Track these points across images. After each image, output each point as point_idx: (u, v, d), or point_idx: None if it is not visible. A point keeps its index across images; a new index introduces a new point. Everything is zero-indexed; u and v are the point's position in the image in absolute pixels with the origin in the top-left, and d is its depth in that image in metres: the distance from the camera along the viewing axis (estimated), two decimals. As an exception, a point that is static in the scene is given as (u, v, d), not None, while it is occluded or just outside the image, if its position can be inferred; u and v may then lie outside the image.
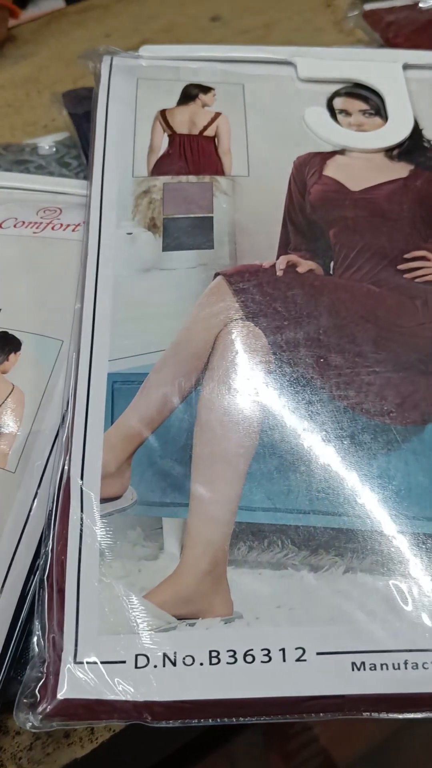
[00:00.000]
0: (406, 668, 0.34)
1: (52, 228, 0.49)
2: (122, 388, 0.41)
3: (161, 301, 0.43)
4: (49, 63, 0.72)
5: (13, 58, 0.73)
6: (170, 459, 0.39)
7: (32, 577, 0.38)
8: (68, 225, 0.49)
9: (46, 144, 0.62)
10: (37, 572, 0.38)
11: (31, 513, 0.39)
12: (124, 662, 0.35)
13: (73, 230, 0.49)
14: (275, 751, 0.72)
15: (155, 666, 0.34)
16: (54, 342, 0.44)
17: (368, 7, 0.68)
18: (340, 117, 0.51)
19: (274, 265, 0.44)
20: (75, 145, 0.61)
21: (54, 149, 0.61)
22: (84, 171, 0.59)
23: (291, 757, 0.75)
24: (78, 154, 0.60)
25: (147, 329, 0.42)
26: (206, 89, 0.51)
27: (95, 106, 0.50)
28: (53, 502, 0.38)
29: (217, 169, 0.47)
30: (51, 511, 0.38)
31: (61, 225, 0.49)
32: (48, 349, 0.44)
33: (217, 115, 0.50)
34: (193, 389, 0.40)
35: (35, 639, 0.36)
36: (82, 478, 0.38)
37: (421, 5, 0.67)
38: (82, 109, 0.62)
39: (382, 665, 0.34)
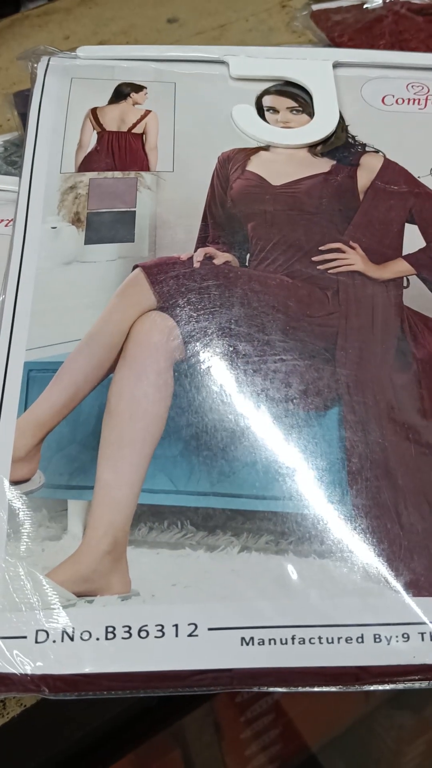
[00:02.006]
0: (292, 643, 0.36)
1: (-18, 225, 0.51)
2: (38, 376, 0.42)
3: (81, 293, 0.45)
4: (8, 65, 0.74)
5: (-27, 59, 0.75)
6: (79, 444, 0.40)
7: None
8: (1, 220, 0.51)
9: (-4, 144, 0.63)
10: None
11: None
12: (25, 637, 0.36)
13: (6, 225, 0.51)
14: (229, 737, 0.73)
15: (54, 641, 0.36)
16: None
17: (316, 7, 0.69)
18: (267, 114, 0.52)
19: (191, 258, 0.45)
20: (23, 144, 0.63)
21: (3, 148, 0.63)
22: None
23: (246, 745, 0.76)
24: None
25: (66, 320, 0.44)
26: (138, 88, 0.53)
27: (29, 105, 0.52)
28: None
29: (143, 165, 0.49)
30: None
31: (-6, 220, 0.51)
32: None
33: (147, 112, 0.51)
34: (104, 377, 0.42)
35: None
36: (-8, 464, 0.40)
37: (366, 5, 0.68)
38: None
39: (270, 640, 0.36)
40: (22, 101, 0.64)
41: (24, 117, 0.63)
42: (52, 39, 0.76)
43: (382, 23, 0.66)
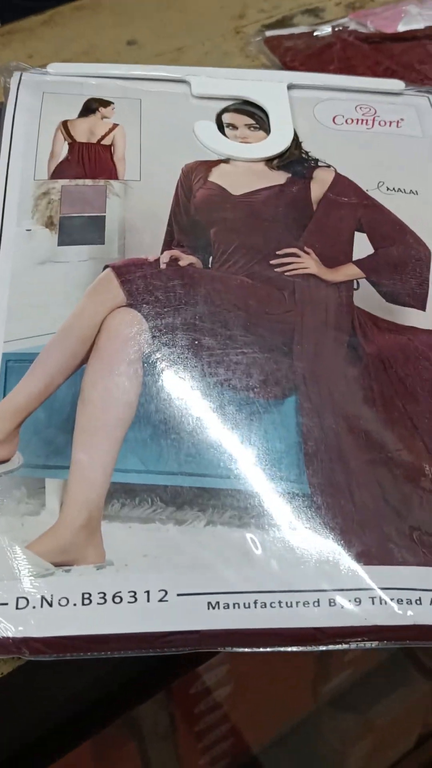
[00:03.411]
0: (255, 607, 0.39)
1: None
2: (15, 366, 0.45)
3: (54, 291, 0.48)
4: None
5: None
6: (54, 428, 0.43)
7: None
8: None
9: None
10: None
11: None
12: (6, 604, 0.39)
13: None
14: (183, 730, 0.75)
15: (34, 607, 0.39)
16: None
17: (269, 33, 0.74)
18: (227, 130, 0.56)
19: (158, 259, 0.49)
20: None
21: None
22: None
23: (200, 737, 0.79)
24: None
25: (41, 315, 0.47)
26: (106, 103, 0.56)
27: (2, 117, 0.55)
28: None
29: (112, 174, 0.52)
30: None
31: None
32: None
33: (115, 126, 0.55)
34: (78, 368, 0.45)
35: None
36: (-27, 445, 0.42)
37: (316, 33, 0.73)
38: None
39: (234, 604, 0.39)
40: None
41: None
42: (16, 56, 0.79)
43: (331, 50, 0.71)
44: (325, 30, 0.73)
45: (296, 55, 0.71)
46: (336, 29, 0.73)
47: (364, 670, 0.96)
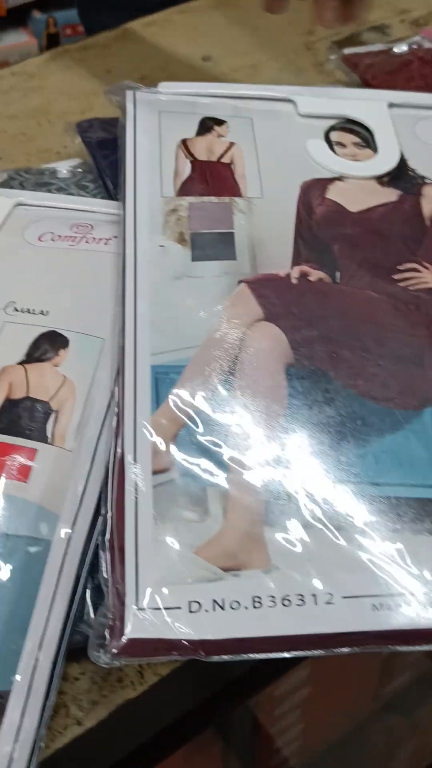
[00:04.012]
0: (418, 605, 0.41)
1: (86, 242, 0.55)
2: (164, 378, 0.47)
3: (192, 304, 0.50)
4: (56, 96, 0.78)
5: (22, 90, 0.79)
6: (209, 437, 0.45)
7: (90, 538, 0.44)
8: (100, 239, 0.56)
9: (63, 168, 0.68)
10: (97, 535, 0.44)
11: (88, 484, 0.45)
12: (179, 608, 0.40)
13: (105, 243, 0.55)
14: (264, 731, 0.77)
15: (206, 610, 0.40)
16: (97, 340, 0.50)
17: (347, 51, 0.76)
18: (336, 148, 0.58)
19: (289, 274, 0.51)
20: (90, 170, 0.68)
21: (71, 173, 0.67)
22: (101, 193, 0.65)
23: (276, 738, 0.80)
24: (94, 178, 0.67)
25: (181, 328, 0.49)
26: (220, 122, 0.58)
27: (123, 135, 0.57)
28: (111, 475, 0.44)
29: (235, 191, 0.54)
30: (108, 483, 0.44)
31: (94, 239, 0.56)
32: (92, 346, 0.50)
33: (232, 144, 0.57)
34: (224, 380, 0.47)
35: (107, 590, 0.41)
36: (135, 455, 0.44)
37: (394, 50, 0.75)
38: (95, 137, 0.68)
39: (396, 605, 0.41)
40: (85, 130, 0.69)
41: (89, 145, 0.68)
42: (95, 71, 0.81)
43: (409, 67, 0.73)
44: (402, 48, 0.75)
45: (377, 72, 0.73)
46: (412, 47, 0.75)
47: (419, 672, 0.98)
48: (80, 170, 0.68)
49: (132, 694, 0.44)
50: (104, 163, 0.66)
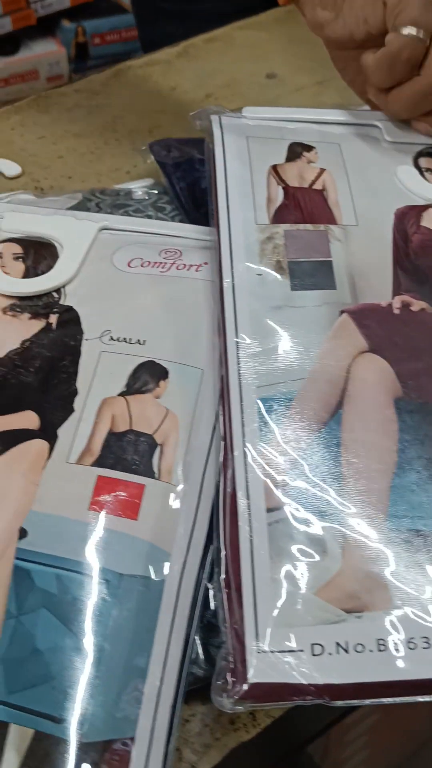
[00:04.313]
0: None
1: (177, 268, 0.55)
2: (271, 411, 0.46)
3: (294, 335, 0.49)
4: (122, 113, 0.78)
5: (87, 108, 0.79)
6: (322, 473, 0.44)
7: (201, 576, 0.43)
8: (191, 265, 0.55)
9: (138, 189, 0.67)
10: (205, 573, 0.43)
11: (196, 520, 0.44)
12: (302, 651, 0.40)
13: (197, 270, 0.54)
14: (332, 757, 0.76)
15: (330, 654, 0.40)
16: (196, 371, 0.49)
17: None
18: (427, 174, 0.58)
19: (390, 305, 0.50)
20: (165, 190, 0.67)
21: (146, 194, 0.67)
22: (178, 215, 0.64)
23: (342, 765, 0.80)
24: (170, 200, 0.66)
25: (285, 359, 0.48)
26: (309, 147, 0.58)
27: (212, 160, 0.56)
28: (222, 512, 0.43)
29: (330, 218, 0.54)
30: (219, 520, 0.43)
31: (185, 265, 0.55)
32: (191, 376, 0.49)
33: (322, 170, 0.56)
34: (333, 414, 0.46)
35: (224, 631, 0.41)
36: (247, 492, 0.43)
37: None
38: (170, 159, 0.67)
39: None
40: (159, 151, 0.68)
41: (164, 166, 0.67)
42: (159, 88, 0.81)
43: None
44: None
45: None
46: None
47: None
48: (155, 191, 0.67)
49: (245, 737, 0.43)
50: (181, 186, 0.65)
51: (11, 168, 0.71)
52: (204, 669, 0.43)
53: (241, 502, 0.43)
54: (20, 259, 0.56)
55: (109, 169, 0.72)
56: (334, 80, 0.80)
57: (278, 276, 0.51)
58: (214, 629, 0.43)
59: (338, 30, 0.57)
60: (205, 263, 0.55)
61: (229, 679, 0.39)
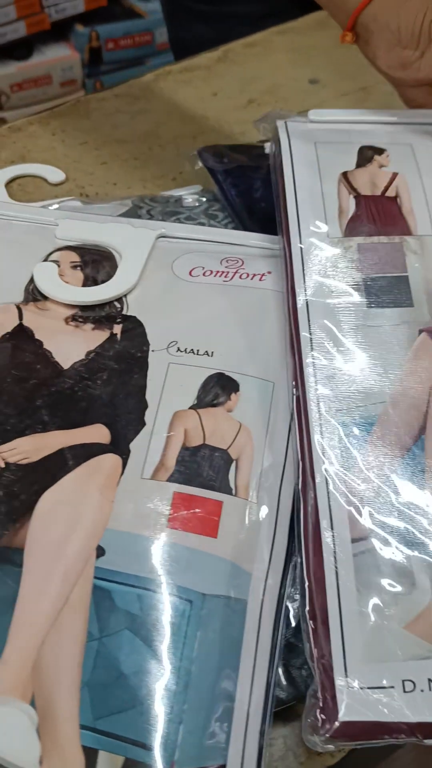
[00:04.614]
0: None
1: (240, 277, 0.53)
2: (351, 435, 0.44)
3: (372, 356, 0.47)
4: (165, 119, 0.76)
5: (129, 113, 0.77)
6: (408, 502, 0.43)
7: (282, 597, 0.42)
8: (254, 274, 0.53)
9: (188, 196, 0.66)
10: (292, 604, 0.42)
11: (275, 538, 0.43)
12: (393, 687, 0.38)
13: (260, 279, 0.53)
14: None
15: (422, 690, 0.38)
16: (266, 383, 0.48)
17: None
18: None
19: (473, 324, 0.48)
20: (215, 197, 0.66)
21: (197, 201, 0.65)
22: (231, 222, 0.63)
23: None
24: (221, 207, 0.65)
25: (364, 382, 0.46)
26: (380, 150, 0.56)
27: (278, 167, 0.54)
28: (304, 540, 0.42)
29: (404, 229, 0.52)
30: (302, 550, 0.42)
31: (248, 275, 0.53)
32: (263, 390, 0.48)
33: (395, 175, 0.55)
34: (416, 438, 0.44)
35: (312, 665, 0.39)
36: (330, 521, 0.42)
37: None
38: (221, 165, 0.66)
39: None
40: (208, 158, 0.67)
41: (213, 173, 0.66)
42: (200, 94, 0.79)
43: None
44: None
45: None
46: None
47: None
48: (205, 198, 0.66)
49: (330, 761, 0.41)
50: (233, 193, 0.64)
51: (55, 174, 0.70)
52: (286, 691, 0.42)
53: (326, 533, 0.42)
54: (78, 268, 0.54)
55: (155, 175, 0.71)
56: (376, 86, 0.80)
57: (354, 293, 0.49)
58: (295, 650, 0.42)
59: (424, 68, 0.56)
60: (269, 272, 0.53)
61: (320, 716, 0.38)
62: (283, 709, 0.42)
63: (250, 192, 0.64)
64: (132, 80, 0.81)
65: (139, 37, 2.09)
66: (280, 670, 0.42)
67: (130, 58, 2.10)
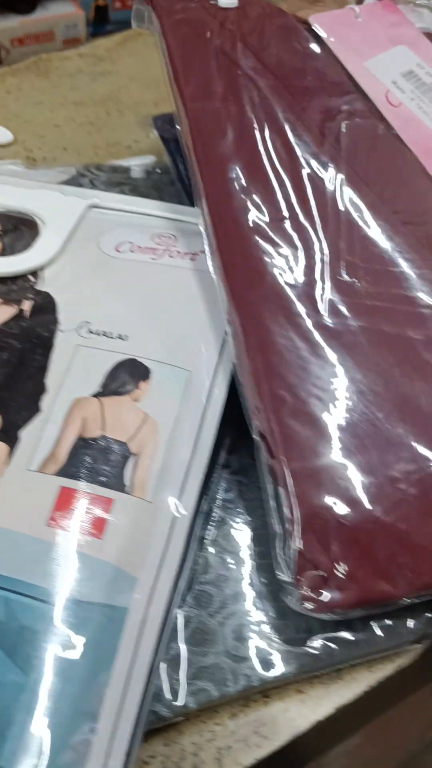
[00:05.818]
0: None
1: (170, 255, 0.50)
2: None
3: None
4: (127, 83, 0.72)
5: (90, 74, 0.73)
6: None
7: (170, 606, 0.39)
8: (185, 253, 0.50)
9: (137, 167, 0.62)
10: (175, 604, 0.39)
11: (170, 543, 0.40)
12: None
13: (191, 259, 0.49)
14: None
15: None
16: (182, 372, 0.44)
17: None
18: None
19: None
20: (167, 170, 0.62)
21: (146, 173, 0.61)
22: (180, 197, 0.59)
23: None
24: (172, 180, 0.61)
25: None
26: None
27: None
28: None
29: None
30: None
31: (178, 252, 0.50)
32: (176, 378, 0.44)
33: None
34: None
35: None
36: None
37: None
38: (174, 134, 0.62)
39: None
40: (163, 125, 0.63)
41: (167, 142, 0.62)
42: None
43: None
44: None
45: None
46: None
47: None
48: (158, 171, 0.62)
49: (208, 789, 0.38)
50: (185, 165, 0.60)
51: (2, 135, 0.66)
52: (167, 707, 0.39)
53: None
54: (-2, 236, 0.51)
55: (108, 142, 0.67)
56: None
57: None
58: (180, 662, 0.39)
59: None
60: (202, 251, 0.50)
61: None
62: (165, 727, 0.39)
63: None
64: (100, 39, 0.77)
65: (148, -1, 2.03)
66: (165, 686, 0.39)
67: (138, 20, 2.04)
